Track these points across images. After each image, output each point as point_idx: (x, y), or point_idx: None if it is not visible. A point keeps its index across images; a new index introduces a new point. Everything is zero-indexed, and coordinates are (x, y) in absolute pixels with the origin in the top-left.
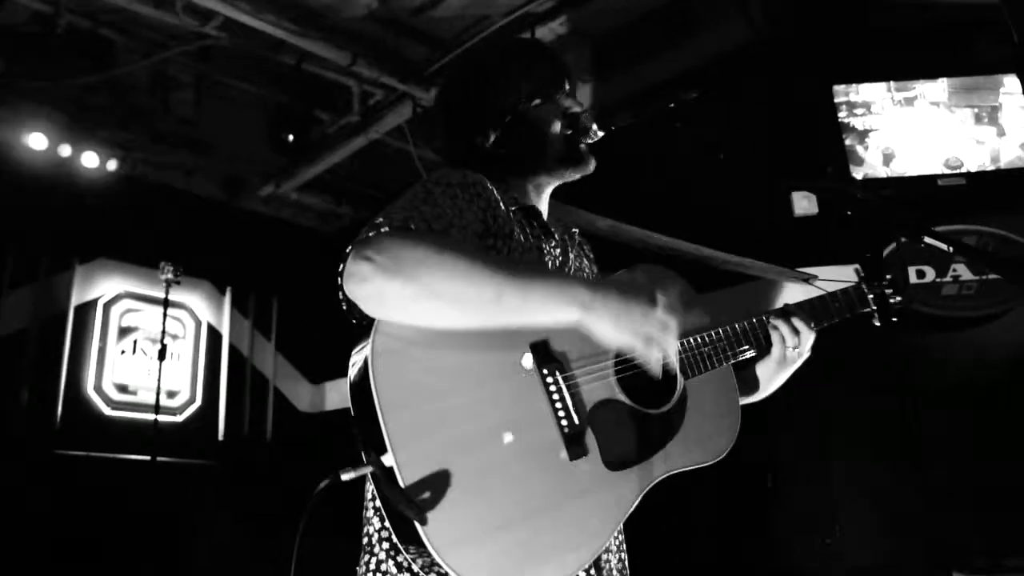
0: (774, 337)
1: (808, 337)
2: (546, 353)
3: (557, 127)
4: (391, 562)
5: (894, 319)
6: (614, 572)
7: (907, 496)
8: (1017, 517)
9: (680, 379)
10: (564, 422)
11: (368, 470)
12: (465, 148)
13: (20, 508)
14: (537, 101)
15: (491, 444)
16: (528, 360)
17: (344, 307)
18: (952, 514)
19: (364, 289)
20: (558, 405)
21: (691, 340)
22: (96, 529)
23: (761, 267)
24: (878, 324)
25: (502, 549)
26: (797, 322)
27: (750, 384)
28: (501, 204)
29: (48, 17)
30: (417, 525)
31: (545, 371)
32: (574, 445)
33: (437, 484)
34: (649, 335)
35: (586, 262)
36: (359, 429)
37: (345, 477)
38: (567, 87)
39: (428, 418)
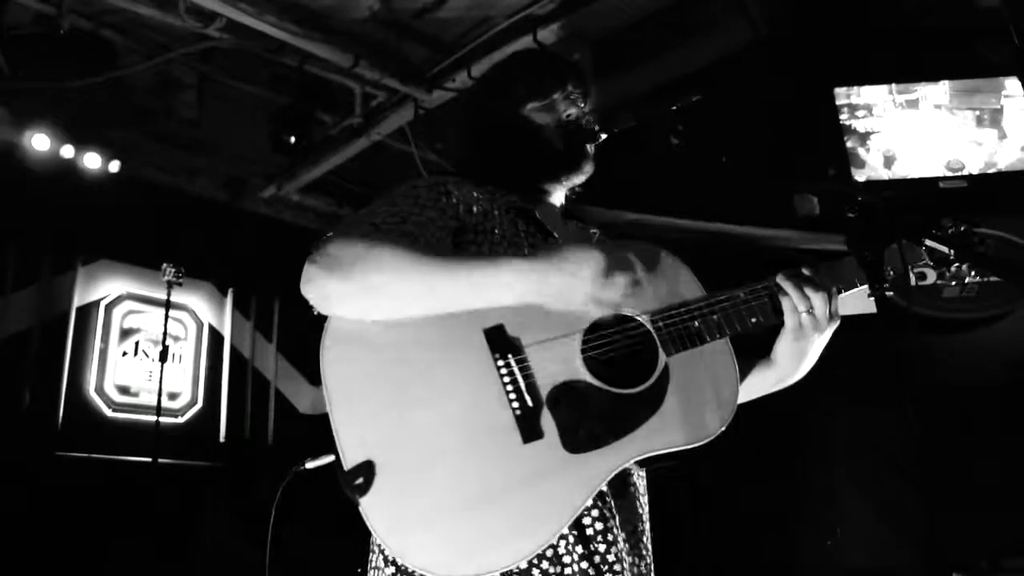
0: (784, 304)
1: (822, 301)
2: (499, 338)
3: (552, 131)
4: (380, 557)
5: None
6: (624, 558)
7: (907, 498)
8: (1016, 518)
9: (662, 355)
10: (516, 405)
11: (330, 459)
12: (470, 153)
13: (21, 510)
14: (532, 106)
15: (441, 430)
16: (482, 345)
17: (314, 308)
18: (952, 516)
19: (309, 289)
20: (509, 388)
21: (672, 312)
22: (97, 531)
23: (787, 236)
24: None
25: (449, 533)
26: (806, 286)
27: (779, 362)
28: (482, 204)
29: (51, 18)
30: (360, 508)
31: (497, 355)
32: (528, 428)
33: (380, 469)
34: (595, 296)
35: None
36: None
37: (309, 466)
38: (567, 90)
39: (375, 405)
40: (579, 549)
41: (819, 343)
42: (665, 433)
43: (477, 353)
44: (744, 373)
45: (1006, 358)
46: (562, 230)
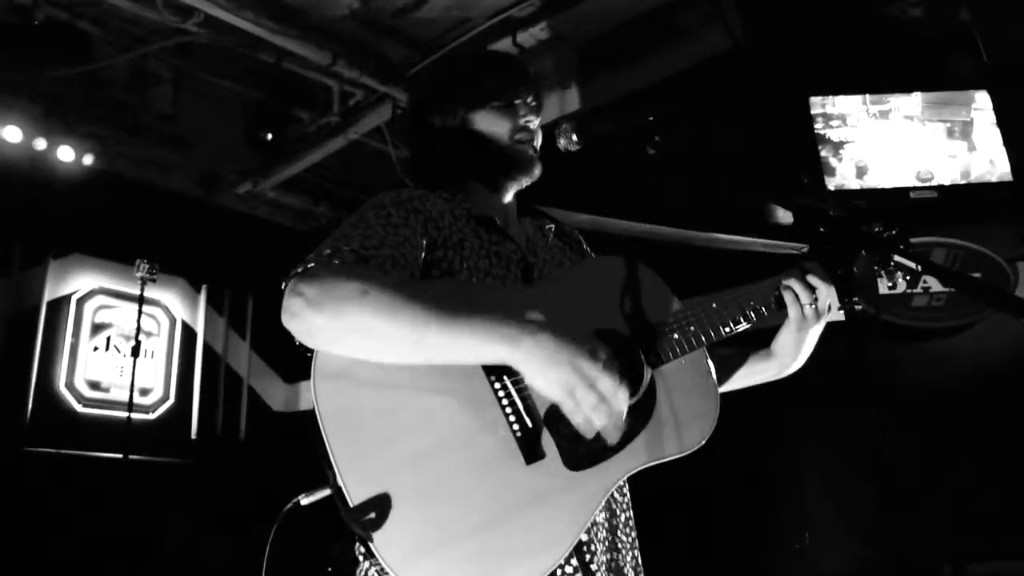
0: (787, 297)
1: (825, 293)
2: None
3: (504, 133)
4: (373, 570)
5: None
6: (603, 570)
7: (874, 503)
8: (982, 524)
9: (647, 370)
10: (516, 427)
11: (326, 493)
12: (421, 154)
13: None
14: (493, 105)
15: (442, 457)
16: (477, 369)
17: (296, 340)
18: (918, 521)
19: (295, 324)
20: (508, 410)
21: (652, 326)
22: (67, 528)
23: (750, 242)
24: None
25: (458, 560)
26: (812, 278)
27: (780, 353)
28: (448, 215)
29: (26, 9)
30: (371, 544)
31: (492, 378)
32: (529, 449)
33: (386, 502)
34: (577, 385)
35: (568, 257)
36: (322, 455)
37: (304, 502)
38: (526, 96)
39: (373, 439)
40: (572, 561)
41: (815, 335)
42: (657, 445)
43: (472, 377)
44: (741, 364)
45: (975, 366)
46: (518, 230)
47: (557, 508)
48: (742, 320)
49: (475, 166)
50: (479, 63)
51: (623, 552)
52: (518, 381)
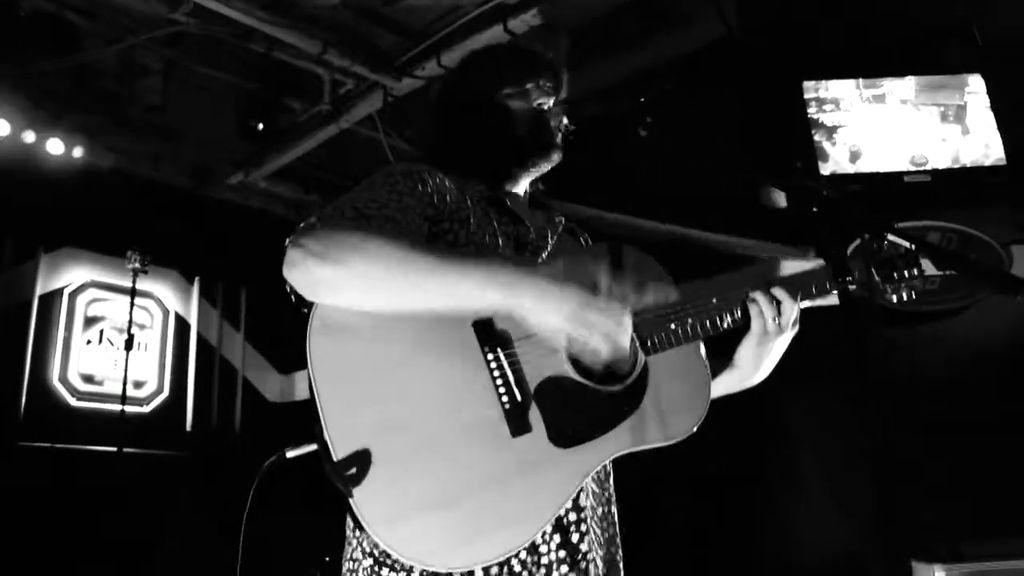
0: (752, 310)
1: (790, 309)
2: (488, 331)
3: (526, 119)
4: (359, 548)
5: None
6: (596, 549)
7: (869, 487)
8: (975, 505)
9: (641, 355)
10: (505, 398)
11: (312, 447)
12: (441, 139)
13: None
14: (508, 92)
15: (430, 421)
16: (472, 338)
17: (291, 296)
18: (913, 504)
19: (296, 275)
20: (499, 382)
21: (654, 315)
22: (61, 522)
23: (746, 244)
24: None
25: (437, 525)
26: (778, 292)
27: (737, 365)
28: (456, 192)
29: (11, 0)
30: (351, 500)
31: (486, 348)
32: (516, 421)
33: (370, 459)
34: (584, 322)
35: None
36: (311, 408)
37: (290, 454)
38: (543, 81)
39: (363, 395)
40: (556, 538)
41: (779, 348)
42: (644, 431)
43: (466, 345)
44: (714, 373)
45: (969, 349)
46: (530, 218)
47: (538, 482)
48: (740, 316)
49: (490, 151)
50: (496, 51)
51: (605, 533)
52: (510, 353)
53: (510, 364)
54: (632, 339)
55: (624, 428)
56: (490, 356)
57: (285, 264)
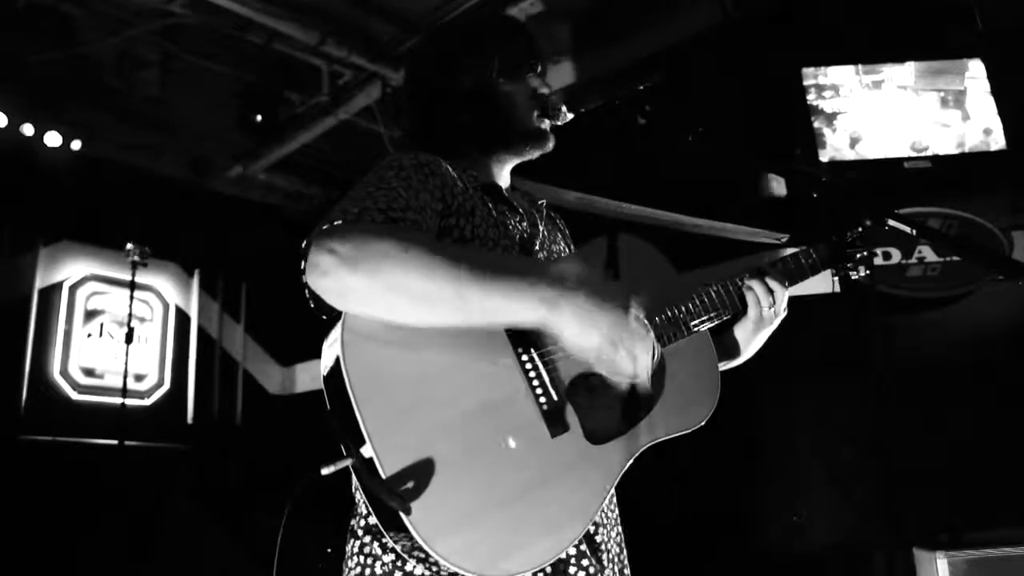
0: (749, 299)
1: (782, 296)
2: (521, 331)
3: (524, 105)
4: (375, 544)
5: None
6: (612, 546)
7: (871, 474)
8: (976, 492)
9: (657, 347)
10: (543, 399)
11: (348, 463)
12: (430, 121)
13: None
14: (505, 75)
15: (471, 427)
16: (504, 340)
17: (311, 301)
18: (915, 492)
19: (326, 282)
20: (535, 383)
21: (667, 309)
22: (64, 515)
23: (733, 229)
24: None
25: (489, 532)
26: (771, 282)
27: (730, 349)
28: (459, 182)
29: None
30: (403, 516)
31: (520, 349)
32: (554, 422)
33: (418, 472)
34: (617, 342)
35: (559, 235)
36: (337, 422)
37: (325, 472)
38: (538, 68)
39: (404, 406)
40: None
41: (766, 335)
42: (668, 421)
43: (499, 347)
44: None
45: (970, 336)
46: (520, 204)
47: (580, 480)
48: (731, 312)
49: (485, 136)
50: (489, 30)
51: (609, 528)
52: (544, 353)
53: (544, 364)
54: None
55: (651, 419)
56: (524, 357)
57: (310, 268)
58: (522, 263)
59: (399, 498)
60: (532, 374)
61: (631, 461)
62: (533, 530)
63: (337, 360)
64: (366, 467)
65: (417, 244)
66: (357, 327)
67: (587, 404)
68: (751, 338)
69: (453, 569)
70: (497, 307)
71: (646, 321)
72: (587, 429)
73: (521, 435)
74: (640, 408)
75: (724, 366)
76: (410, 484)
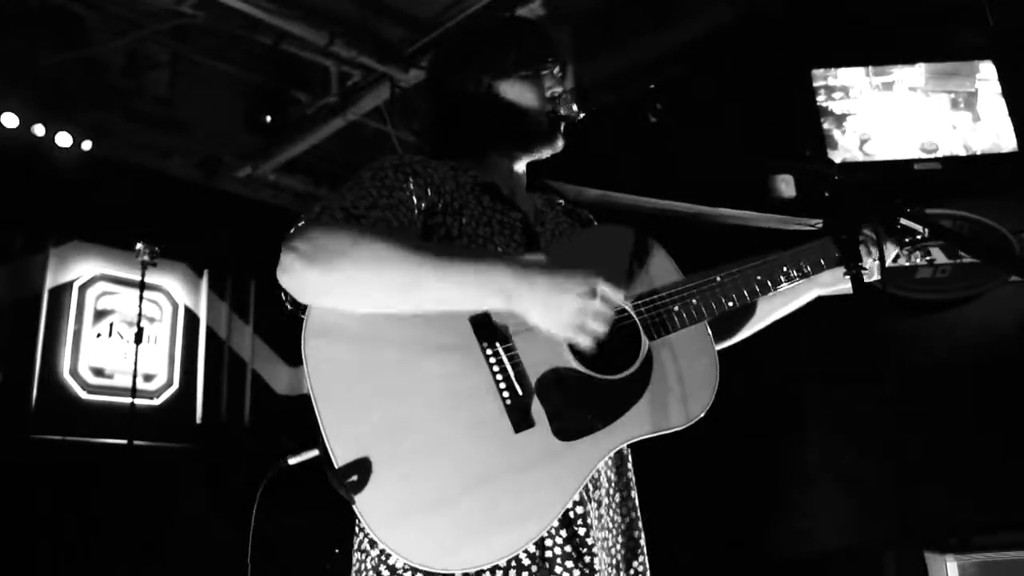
0: (862, 250)
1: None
2: (486, 325)
3: (537, 103)
4: (366, 540)
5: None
6: (617, 550)
7: (879, 478)
8: (986, 496)
9: (645, 341)
10: (506, 394)
11: (313, 454)
12: (442, 121)
13: None
14: (521, 74)
15: (431, 421)
16: (470, 334)
17: (286, 302)
18: (923, 495)
19: (288, 279)
20: (499, 377)
21: (654, 297)
22: (73, 514)
23: (761, 217)
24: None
25: (441, 525)
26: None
27: (819, 283)
28: (450, 181)
29: None
30: (355, 506)
31: (484, 343)
32: (518, 417)
33: (369, 464)
34: (580, 324)
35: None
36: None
37: (292, 462)
38: (553, 67)
39: (363, 399)
40: (563, 532)
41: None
42: (652, 418)
43: (464, 342)
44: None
45: (978, 338)
46: (526, 201)
47: (544, 478)
48: (735, 301)
49: (496, 135)
50: (505, 30)
51: (618, 529)
52: (510, 348)
53: (510, 359)
54: (636, 326)
55: (631, 417)
56: (489, 352)
57: (278, 268)
58: (488, 254)
59: (345, 488)
60: (496, 368)
61: (606, 459)
62: (489, 526)
63: (300, 350)
64: (325, 458)
65: (369, 237)
66: (320, 320)
67: (557, 400)
68: (833, 280)
69: (403, 560)
70: (454, 292)
71: (620, 301)
72: (555, 426)
73: (484, 430)
74: (617, 405)
75: (736, 338)
76: (359, 475)
